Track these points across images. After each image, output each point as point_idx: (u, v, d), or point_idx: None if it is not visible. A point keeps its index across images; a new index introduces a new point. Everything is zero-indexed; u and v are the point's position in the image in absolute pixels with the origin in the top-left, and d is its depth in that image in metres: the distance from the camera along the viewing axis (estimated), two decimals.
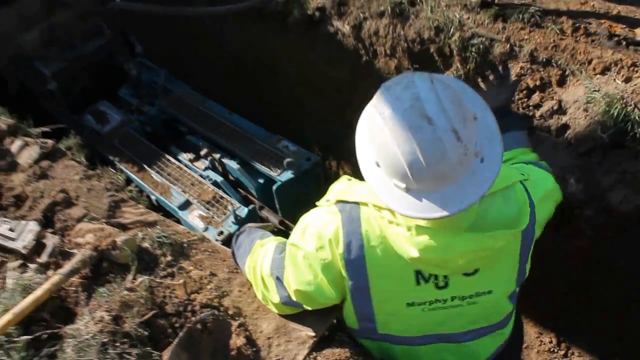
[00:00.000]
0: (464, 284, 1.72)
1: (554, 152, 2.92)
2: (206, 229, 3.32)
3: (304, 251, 1.73)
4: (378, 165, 1.49)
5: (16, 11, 4.23)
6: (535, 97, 3.02)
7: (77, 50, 4.49)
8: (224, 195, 3.50)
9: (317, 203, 1.81)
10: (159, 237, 2.30)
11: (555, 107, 2.94)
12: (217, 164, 3.82)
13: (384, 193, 1.50)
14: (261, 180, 3.73)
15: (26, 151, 2.87)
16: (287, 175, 3.55)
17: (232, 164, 3.77)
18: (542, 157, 2.98)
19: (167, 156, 3.81)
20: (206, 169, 3.80)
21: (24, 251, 2.36)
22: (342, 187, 1.79)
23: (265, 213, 3.51)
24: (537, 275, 2.10)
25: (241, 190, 3.77)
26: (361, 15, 3.53)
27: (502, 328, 1.94)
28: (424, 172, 1.39)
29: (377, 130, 1.44)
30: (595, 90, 2.81)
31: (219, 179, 3.71)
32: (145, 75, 4.45)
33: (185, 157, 3.91)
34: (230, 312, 2.07)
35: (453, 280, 1.70)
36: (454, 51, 3.24)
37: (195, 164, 3.85)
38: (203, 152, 3.90)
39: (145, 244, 2.29)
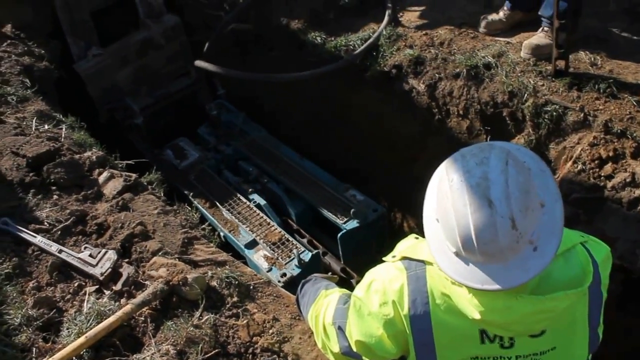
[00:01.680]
0: (530, 345, 1.70)
1: (624, 225, 2.87)
2: (270, 270, 3.41)
3: (368, 305, 1.78)
4: (438, 221, 1.55)
5: (115, 50, 4.58)
6: (608, 167, 2.98)
7: (163, 88, 4.78)
8: (290, 238, 3.60)
9: (383, 258, 1.87)
10: (227, 277, 2.41)
11: (628, 180, 2.89)
12: (262, 188, 4.08)
13: (435, 249, 1.56)
14: (302, 207, 3.90)
15: (111, 183, 3.07)
16: (353, 224, 3.62)
17: (277, 190, 3.99)
18: (611, 230, 2.93)
19: (239, 195, 3.96)
20: (252, 192, 3.98)
21: (101, 278, 2.52)
22: (409, 245, 1.83)
23: (328, 259, 3.58)
24: (602, 351, 2.05)
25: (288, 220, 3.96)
26: (437, 75, 3.61)
27: None
28: (474, 248, 1.45)
29: (443, 194, 1.51)
30: None
31: (263, 202, 3.88)
32: (225, 116, 4.67)
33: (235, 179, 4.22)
34: (289, 358, 2.13)
35: (519, 341, 1.68)
36: (527, 116, 3.26)
37: (243, 186, 4.08)
38: (251, 177, 4.15)
39: (214, 283, 2.40)
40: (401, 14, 4.19)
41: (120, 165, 3.36)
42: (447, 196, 1.48)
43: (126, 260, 2.61)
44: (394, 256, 1.81)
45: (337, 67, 3.88)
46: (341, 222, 3.64)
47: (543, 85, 3.26)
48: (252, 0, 4.59)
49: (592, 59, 3.34)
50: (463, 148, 1.55)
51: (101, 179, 3.10)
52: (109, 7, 4.80)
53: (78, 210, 2.86)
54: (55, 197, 2.95)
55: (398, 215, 4.23)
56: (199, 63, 4.32)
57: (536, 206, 1.45)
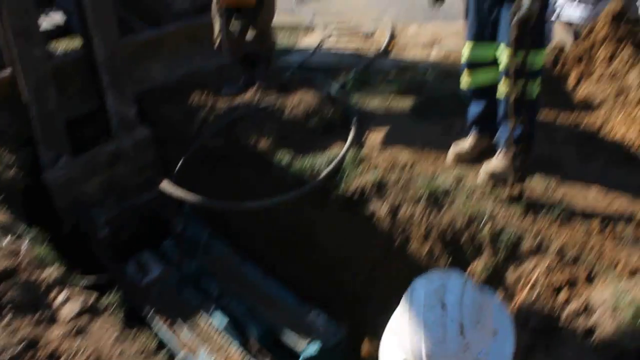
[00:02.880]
0: None
1: (579, 355, 2.87)
2: None
3: None
4: (393, 331, 1.63)
5: (84, 160, 4.62)
6: (563, 294, 3.02)
7: (130, 200, 4.79)
8: None
9: None
10: None
11: (582, 308, 2.93)
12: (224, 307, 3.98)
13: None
14: (264, 329, 3.80)
15: (69, 305, 2.99)
16: (312, 349, 3.53)
17: (237, 310, 3.91)
18: None
19: (200, 314, 3.88)
20: (213, 311, 3.90)
21: None
22: None
23: None
24: None
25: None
26: (398, 199, 3.71)
27: None
28: (422, 353, 1.49)
29: (403, 302, 1.60)
30: (624, 293, 2.80)
31: (224, 322, 3.78)
32: (190, 231, 4.64)
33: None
34: None
35: None
36: (485, 242, 3.34)
37: (205, 305, 3.98)
38: (213, 295, 4.09)
39: None
40: (366, 134, 4.35)
41: (81, 283, 3.30)
42: (406, 301, 1.59)
43: None
44: None
45: (301, 193, 4.02)
46: (300, 347, 3.57)
47: (500, 210, 3.37)
48: (226, 123, 4.76)
49: (546, 184, 3.48)
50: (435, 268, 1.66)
51: (59, 299, 3.03)
52: (82, 116, 4.88)
53: (30, 334, 2.77)
54: (7, 318, 2.86)
55: (361, 338, 4.18)
56: (163, 186, 4.39)
57: (488, 327, 1.53)
